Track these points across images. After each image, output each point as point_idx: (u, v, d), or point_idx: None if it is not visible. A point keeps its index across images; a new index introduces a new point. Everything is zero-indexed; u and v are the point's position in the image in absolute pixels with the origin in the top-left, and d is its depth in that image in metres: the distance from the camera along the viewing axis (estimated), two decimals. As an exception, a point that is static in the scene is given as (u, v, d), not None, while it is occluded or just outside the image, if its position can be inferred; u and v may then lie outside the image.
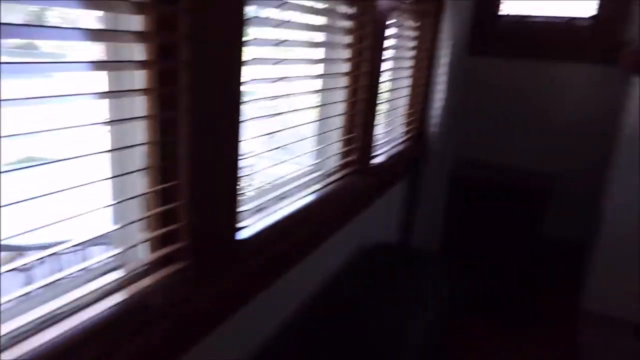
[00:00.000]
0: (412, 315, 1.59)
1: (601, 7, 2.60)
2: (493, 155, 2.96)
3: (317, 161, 1.64)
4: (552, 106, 2.78)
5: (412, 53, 2.30)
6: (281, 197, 1.37)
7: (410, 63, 2.31)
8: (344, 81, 1.61)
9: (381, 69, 1.80)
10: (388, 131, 2.20)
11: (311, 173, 1.60)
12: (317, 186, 1.59)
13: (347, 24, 1.57)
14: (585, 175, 2.76)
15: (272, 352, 1.32)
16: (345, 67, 1.60)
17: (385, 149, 2.13)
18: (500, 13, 2.82)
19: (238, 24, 0.87)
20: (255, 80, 1.07)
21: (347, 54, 1.59)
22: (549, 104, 2.79)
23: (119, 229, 0.80)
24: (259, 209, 1.24)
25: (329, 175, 1.66)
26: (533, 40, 2.74)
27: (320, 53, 1.56)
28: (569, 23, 2.68)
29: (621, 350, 2.21)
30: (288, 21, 1.26)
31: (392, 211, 2.46)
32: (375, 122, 1.85)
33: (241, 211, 1.07)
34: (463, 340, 2.19)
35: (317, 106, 1.61)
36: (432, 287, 1.81)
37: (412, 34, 2.26)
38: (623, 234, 2.30)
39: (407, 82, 2.33)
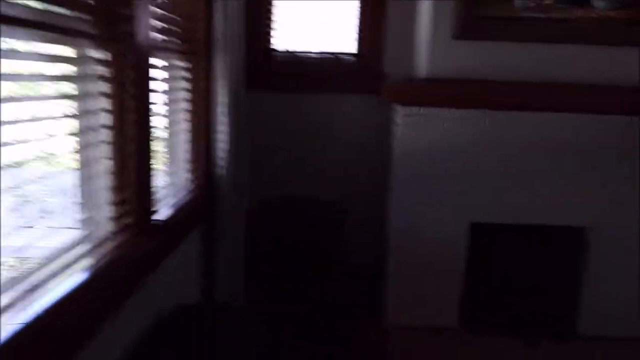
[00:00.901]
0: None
1: (360, 43, 2.91)
2: (288, 190, 3.03)
3: (83, 231, 1.40)
4: (334, 137, 3.00)
5: (187, 95, 2.21)
6: (40, 283, 1.11)
7: (186, 105, 2.21)
8: (106, 135, 1.42)
9: (151, 116, 1.65)
10: (171, 182, 2.05)
11: (77, 245, 1.36)
12: (88, 260, 1.36)
13: (103, 70, 1.39)
14: (373, 200, 3.02)
15: None
16: (106, 119, 1.42)
17: (169, 201, 1.98)
18: (273, 49, 2.93)
19: None
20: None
21: (106, 104, 1.41)
22: (331, 135, 2.99)
23: None
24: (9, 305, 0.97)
25: (100, 244, 1.44)
26: (308, 75, 2.92)
27: (71, 106, 1.34)
28: (337, 58, 2.92)
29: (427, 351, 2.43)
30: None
31: (190, 266, 2.30)
32: (152, 175, 1.68)
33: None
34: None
35: (77, 168, 1.38)
36: (240, 341, 1.70)
37: (184, 74, 2.17)
38: (408, 251, 2.57)
39: (186, 126, 2.23)
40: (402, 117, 2.44)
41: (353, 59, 2.93)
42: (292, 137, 2.99)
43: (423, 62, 2.49)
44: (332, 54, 2.93)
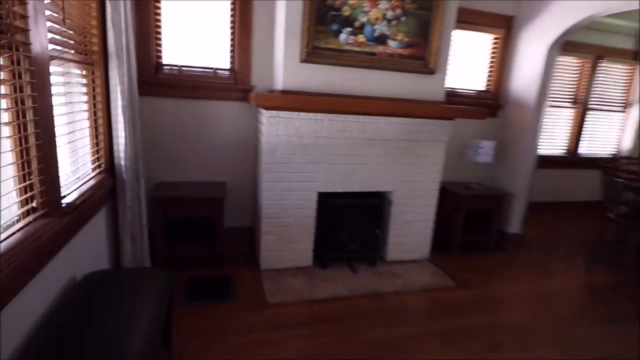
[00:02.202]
0: (128, 329, 1.34)
1: (232, 61, 2.82)
2: (183, 175, 2.86)
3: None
4: (217, 133, 2.88)
5: (87, 98, 1.95)
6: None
7: (87, 107, 1.95)
8: (6, 131, 1.20)
9: (53, 115, 1.43)
10: (76, 169, 1.80)
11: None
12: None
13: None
14: (249, 179, 2.99)
15: None
16: (5, 117, 1.19)
17: (76, 186, 1.74)
18: (162, 63, 2.70)
19: None
20: None
21: (4, 104, 1.19)
22: (214, 131, 2.87)
23: None
24: None
25: (8, 227, 1.22)
26: (193, 84, 2.74)
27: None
28: (216, 72, 2.79)
29: (291, 283, 2.51)
30: None
31: (100, 239, 2.06)
32: (57, 166, 1.46)
33: None
34: (187, 324, 2.03)
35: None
36: (145, 297, 1.58)
37: (83, 81, 1.90)
38: (274, 215, 2.62)
39: (87, 123, 1.96)
40: (266, 119, 2.45)
41: (228, 73, 2.83)
42: (184, 134, 2.82)
43: (280, 79, 2.51)
44: (211, 68, 2.79)
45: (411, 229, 2.96)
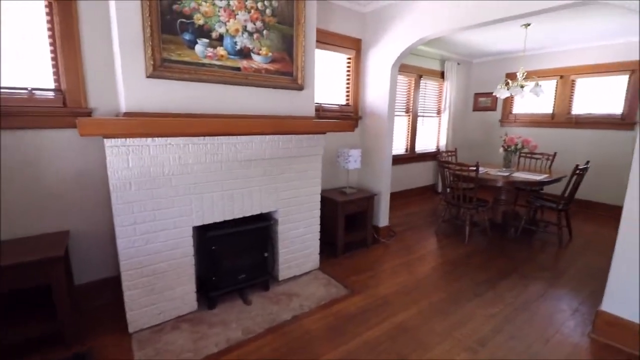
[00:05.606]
0: None
1: (57, 79, 1.82)
2: (6, 230, 1.74)
3: None
4: (51, 170, 1.84)
5: None
6: None
7: None
8: None
9: None
10: None
11: None
12: None
13: None
14: (109, 221, 2.02)
15: None
16: None
17: None
18: None
19: None
20: None
21: None
22: (48, 168, 1.83)
23: None
24: None
25: None
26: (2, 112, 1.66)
27: None
28: (32, 93, 1.75)
29: (171, 342, 1.71)
30: None
31: None
32: None
33: None
34: None
35: None
36: None
37: None
38: (139, 262, 1.75)
39: None
40: (108, 149, 1.59)
41: (53, 94, 1.82)
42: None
43: (123, 98, 1.67)
44: (25, 89, 1.75)
45: (300, 243, 2.45)
